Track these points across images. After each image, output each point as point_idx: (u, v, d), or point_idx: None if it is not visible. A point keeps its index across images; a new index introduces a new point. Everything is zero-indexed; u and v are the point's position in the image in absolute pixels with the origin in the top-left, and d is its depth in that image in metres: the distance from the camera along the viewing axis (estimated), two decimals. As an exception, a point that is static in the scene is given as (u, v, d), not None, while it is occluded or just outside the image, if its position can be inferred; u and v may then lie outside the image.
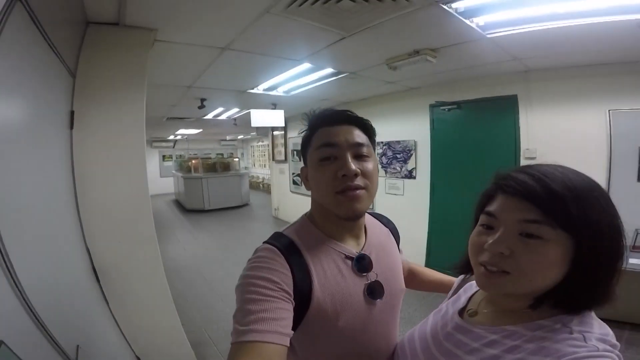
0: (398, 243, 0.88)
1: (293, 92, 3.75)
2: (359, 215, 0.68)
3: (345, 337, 0.65)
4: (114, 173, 1.67)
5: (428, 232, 3.76)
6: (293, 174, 6.32)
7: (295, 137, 6.22)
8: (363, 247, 0.73)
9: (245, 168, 10.50)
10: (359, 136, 0.68)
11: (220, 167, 9.15)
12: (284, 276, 0.59)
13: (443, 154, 3.61)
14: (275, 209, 7.18)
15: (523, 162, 2.94)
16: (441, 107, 3.50)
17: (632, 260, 2.20)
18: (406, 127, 3.95)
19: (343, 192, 0.64)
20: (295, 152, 6.22)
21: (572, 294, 0.48)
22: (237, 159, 10.23)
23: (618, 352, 0.46)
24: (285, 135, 6.54)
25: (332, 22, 1.75)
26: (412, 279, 0.99)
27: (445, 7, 1.56)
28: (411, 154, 3.90)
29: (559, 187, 0.46)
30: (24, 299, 0.76)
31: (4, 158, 0.74)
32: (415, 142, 3.85)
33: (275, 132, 6.83)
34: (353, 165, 0.63)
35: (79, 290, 1.37)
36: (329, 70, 2.85)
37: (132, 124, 1.71)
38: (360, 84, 3.41)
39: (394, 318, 0.76)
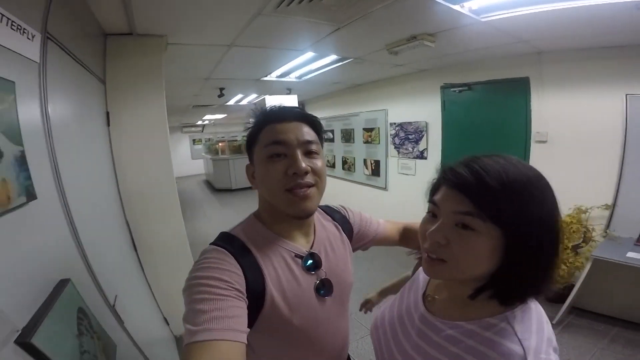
0: (349, 229, 0.86)
1: (305, 78, 3.89)
2: (309, 214, 0.68)
3: (300, 335, 0.66)
4: (144, 160, 1.99)
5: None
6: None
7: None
8: (312, 244, 0.73)
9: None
10: (308, 133, 0.67)
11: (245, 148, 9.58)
12: (235, 276, 0.58)
13: (454, 135, 3.63)
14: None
15: (534, 145, 2.92)
16: (452, 89, 3.50)
17: (632, 255, 2.14)
18: (418, 108, 3.98)
19: (293, 190, 0.63)
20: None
21: (505, 287, 0.50)
22: (261, 141, 10.59)
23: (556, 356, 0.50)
24: (304, 118, 6.72)
25: (322, 16, 1.87)
26: (412, 237, 0.91)
27: None
28: (422, 135, 3.95)
29: (493, 182, 0.47)
30: (83, 254, 1.05)
31: (65, 152, 1.02)
32: (426, 123, 3.88)
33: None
34: (303, 163, 0.63)
35: (120, 253, 1.71)
36: (335, 56, 2.96)
37: (155, 118, 2.01)
38: (368, 67, 3.47)
39: (344, 312, 0.78)
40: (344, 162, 5.56)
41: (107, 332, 1.00)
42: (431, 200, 0.56)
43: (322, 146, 0.72)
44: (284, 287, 0.64)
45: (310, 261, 0.69)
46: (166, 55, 2.26)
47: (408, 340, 0.60)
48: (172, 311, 2.28)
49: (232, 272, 0.58)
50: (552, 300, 2.65)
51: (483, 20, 2.04)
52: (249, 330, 0.54)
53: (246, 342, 0.52)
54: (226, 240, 0.65)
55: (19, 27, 0.71)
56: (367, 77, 4.22)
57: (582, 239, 2.55)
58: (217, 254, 0.60)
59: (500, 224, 0.47)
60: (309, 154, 0.66)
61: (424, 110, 3.88)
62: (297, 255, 0.68)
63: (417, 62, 3.36)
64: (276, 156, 0.64)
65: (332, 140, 5.81)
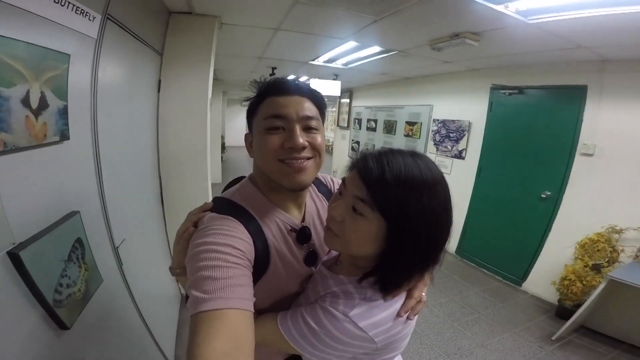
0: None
1: (351, 65, 3.94)
2: (303, 187, 0.68)
3: (287, 298, 0.70)
4: (184, 125, 2.22)
5: (466, 216, 3.75)
6: (352, 140, 6.61)
7: (358, 106, 6.40)
8: (304, 217, 0.75)
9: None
10: (309, 109, 0.66)
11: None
12: (246, 244, 0.58)
13: (496, 139, 3.46)
14: (334, 172, 7.66)
15: (578, 158, 2.71)
16: (501, 91, 3.30)
17: None
18: (463, 107, 3.83)
19: (287, 161, 0.63)
20: (356, 121, 6.43)
21: (385, 275, 0.57)
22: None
23: (367, 335, 0.54)
24: (350, 104, 6.76)
25: (356, 8, 1.94)
26: None
27: None
28: (464, 135, 3.80)
29: (390, 176, 0.52)
30: (102, 195, 1.16)
31: (108, 109, 1.24)
32: (470, 123, 3.73)
33: (343, 100, 7.07)
34: (301, 139, 0.63)
35: (144, 204, 1.88)
36: (378, 48, 2.98)
37: (199, 89, 2.23)
38: (414, 61, 3.41)
39: None
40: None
41: (98, 267, 1.05)
42: (342, 179, 0.62)
43: (323, 122, 0.71)
44: (283, 256, 0.67)
45: (302, 235, 0.71)
46: (221, 34, 2.52)
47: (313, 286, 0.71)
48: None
49: (244, 241, 0.58)
50: (561, 317, 2.57)
51: (530, 22, 1.93)
52: (254, 299, 0.54)
53: (253, 310, 0.52)
54: (231, 208, 0.65)
55: (82, 11, 0.95)
56: (414, 71, 4.12)
57: (606, 259, 2.41)
58: (227, 221, 0.59)
59: (386, 215, 0.53)
60: (308, 129, 0.66)
61: (470, 109, 3.74)
62: (292, 229, 0.70)
63: (466, 61, 3.23)
64: (274, 129, 0.64)
65: (374, 129, 5.81)
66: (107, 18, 1.16)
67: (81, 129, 1.05)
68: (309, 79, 5.55)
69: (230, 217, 0.61)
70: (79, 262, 0.94)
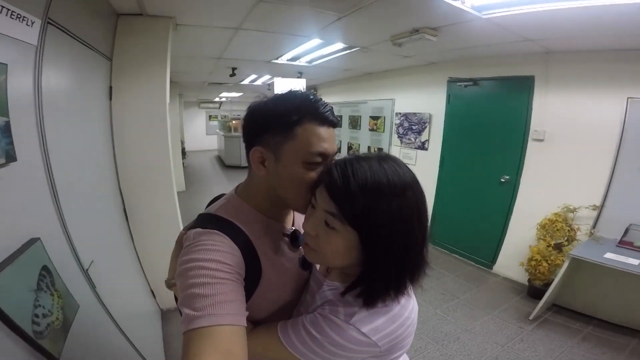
0: None
1: (315, 63, 3.91)
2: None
3: (286, 305, 0.70)
4: (142, 134, 2.08)
5: (434, 204, 3.91)
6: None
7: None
8: (293, 222, 0.75)
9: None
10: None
11: (257, 128, 9.73)
12: (235, 258, 0.57)
13: (455, 129, 3.64)
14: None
15: (530, 143, 2.94)
16: (457, 83, 3.47)
17: (609, 255, 2.17)
18: (423, 100, 3.98)
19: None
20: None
21: (367, 287, 0.56)
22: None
23: (371, 340, 0.54)
24: (315, 102, 6.75)
25: (322, 5, 1.92)
26: None
27: None
28: (425, 126, 3.95)
29: (355, 188, 0.51)
30: (61, 217, 1.08)
31: (56, 122, 1.12)
32: (430, 115, 3.89)
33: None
34: None
35: (108, 222, 1.76)
36: (342, 44, 2.98)
37: (156, 94, 2.09)
38: (376, 57, 3.48)
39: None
40: (349, 147, 5.63)
41: (72, 293, 1.01)
42: (314, 194, 0.60)
43: None
44: (277, 265, 0.66)
45: (294, 239, 0.71)
46: (177, 35, 2.37)
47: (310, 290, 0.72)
48: (160, 284, 2.24)
49: (231, 254, 0.56)
50: (533, 296, 2.74)
51: (484, 17, 2.02)
52: (247, 313, 0.54)
53: (246, 324, 0.52)
54: (216, 222, 0.62)
55: (19, 16, 0.83)
56: (376, 66, 4.21)
57: (566, 238, 2.60)
58: (214, 236, 0.58)
59: (355, 226, 0.52)
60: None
61: (429, 102, 3.88)
62: (284, 235, 0.70)
63: (425, 55, 3.35)
64: (315, 164, 0.60)
65: (339, 126, 5.86)
66: (48, 22, 1.04)
67: (29, 147, 0.95)
68: (271, 78, 5.44)
69: (216, 231, 0.58)
70: (50, 290, 0.89)
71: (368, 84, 4.96)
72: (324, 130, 0.60)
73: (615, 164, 2.46)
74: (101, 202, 1.72)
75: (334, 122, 0.63)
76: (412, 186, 0.54)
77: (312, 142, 0.59)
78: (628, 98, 2.37)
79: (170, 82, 6.26)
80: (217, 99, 11.82)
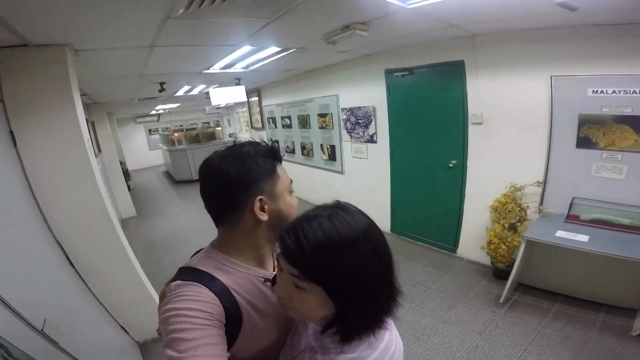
0: None
1: (252, 67, 3.74)
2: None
3: (273, 346, 0.73)
4: (64, 176, 1.87)
5: (391, 195, 4.01)
6: (271, 140, 6.46)
7: (269, 105, 6.24)
8: (274, 267, 0.78)
9: (231, 135, 10.49)
10: None
11: (203, 137, 9.23)
12: (213, 306, 0.61)
13: (399, 119, 3.71)
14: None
15: (471, 127, 3.05)
16: (394, 74, 3.53)
17: (560, 234, 2.27)
18: (365, 93, 4.00)
19: None
20: (270, 120, 6.28)
21: (342, 326, 0.59)
22: (219, 128, 10.28)
23: None
24: (260, 104, 6.54)
25: (243, 14, 1.79)
26: None
27: None
28: (371, 120, 4.00)
29: (308, 249, 0.54)
30: None
31: None
32: (374, 107, 3.93)
33: (252, 99, 6.80)
34: None
35: (50, 276, 1.64)
36: (276, 48, 2.86)
37: (70, 130, 1.87)
38: (314, 55, 3.40)
39: None
40: (303, 147, 5.55)
41: (33, 357, 1.02)
42: (276, 256, 0.64)
43: None
44: (259, 310, 0.70)
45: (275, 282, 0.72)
46: (81, 60, 2.08)
47: (292, 336, 0.74)
48: (130, 319, 2.30)
49: (210, 303, 0.60)
50: (499, 277, 2.87)
51: (409, 7, 2.03)
52: (229, 355, 0.60)
53: None
54: (195, 274, 0.66)
55: None
56: (316, 63, 4.14)
57: (517, 218, 2.73)
58: (192, 287, 0.62)
59: (318, 281, 0.55)
60: None
61: (371, 95, 3.91)
62: (266, 280, 0.73)
63: (360, 48, 3.34)
64: (291, 191, 0.76)
65: (289, 126, 5.75)
66: None
67: None
68: (206, 87, 5.14)
69: (194, 283, 0.63)
70: None
71: (312, 81, 4.88)
72: (282, 166, 0.76)
73: (550, 139, 2.59)
74: (36, 259, 1.59)
75: (281, 159, 0.76)
76: (365, 234, 0.57)
77: (286, 177, 0.75)
78: (551, 76, 2.48)
79: (94, 103, 5.66)
80: (153, 112, 10.98)
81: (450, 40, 2.93)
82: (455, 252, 3.48)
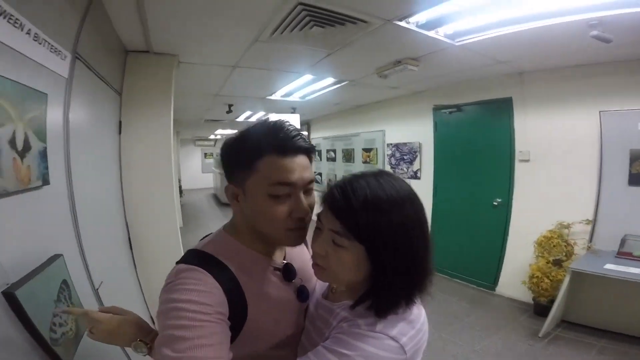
0: None
1: (308, 98, 4.16)
2: (301, 244, 0.70)
3: (287, 339, 0.69)
4: (148, 167, 2.17)
5: (431, 232, 3.93)
6: (315, 172, 6.78)
7: (316, 137, 6.67)
8: (285, 255, 0.75)
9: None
10: (310, 169, 0.65)
11: (253, 164, 9.91)
12: (215, 297, 0.56)
13: (445, 156, 3.79)
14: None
15: (517, 164, 3.06)
16: (442, 110, 3.70)
17: (609, 266, 2.18)
18: (412, 129, 4.18)
19: (294, 228, 0.63)
20: (316, 152, 6.65)
21: (377, 299, 0.56)
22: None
23: (398, 344, 0.53)
24: (309, 137, 7.02)
25: (313, 43, 2.13)
26: None
27: (400, 23, 1.83)
28: (416, 156, 4.12)
29: (356, 204, 0.53)
30: (78, 238, 1.19)
31: (78, 152, 1.21)
32: (420, 143, 4.07)
33: (302, 131, 7.31)
34: (305, 205, 0.63)
35: (115, 248, 1.84)
36: (332, 79, 3.22)
37: (161, 129, 2.22)
38: (365, 89, 3.73)
39: None
40: (344, 181, 5.73)
41: (84, 308, 1.07)
42: (317, 215, 0.63)
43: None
44: (267, 299, 0.65)
45: (287, 272, 0.71)
46: (179, 72, 2.56)
47: (313, 325, 0.70)
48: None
49: (212, 293, 0.56)
50: (540, 314, 2.70)
51: (458, 44, 2.23)
52: (231, 354, 0.54)
53: None
54: (200, 259, 0.62)
55: (55, 49, 0.95)
56: (365, 98, 4.48)
57: (564, 253, 2.62)
58: (195, 273, 0.57)
59: (361, 241, 0.54)
60: (307, 191, 0.65)
61: (418, 131, 4.08)
62: (275, 269, 0.70)
63: (410, 84, 3.60)
64: (280, 197, 0.61)
65: (334, 159, 6.04)
66: (76, 57, 1.16)
67: (58, 173, 1.04)
68: (266, 114, 5.70)
69: (197, 268, 0.58)
70: (67, 303, 0.93)
71: (359, 116, 5.21)
72: (287, 161, 0.60)
73: (600, 176, 2.53)
74: (109, 229, 1.78)
75: (292, 148, 0.61)
76: (409, 198, 0.57)
77: (272, 174, 0.59)
78: (600, 111, 2.49)
79: (170, 120, 6.45)
80: (212, 136, 12.12)
81: (499, 77, 3.05)
82: (494, 290, 3.31)
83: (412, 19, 1.88)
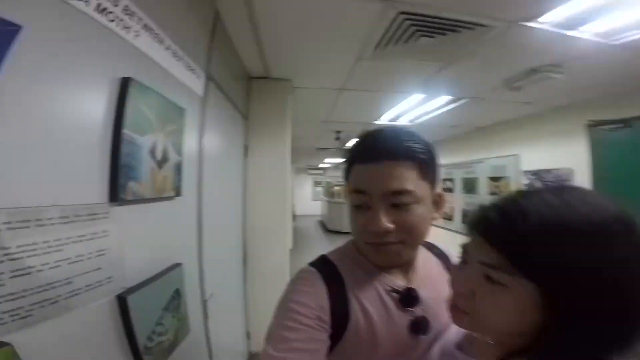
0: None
1: (417, 121, 3.91)
2: (395, 266, 0.65)
3: None
4: (266, 188, 2.34)
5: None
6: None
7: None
8: (411, 280, 0.67)
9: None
10: (400, 178, 0.57)
11: (360, 194, 10.05)
12: (320, 301, 0.58)
13: (608, 185, 2.87)
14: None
15: None
16: (602, 127, 2.86)
17: None
18: (557, 152, 3.36)
19: (372, 244, 0.61)
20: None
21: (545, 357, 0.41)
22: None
23: None
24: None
25: (422, 56, 1.95)
26: None
27: (529, 24, 1.52)
28: (565, 185, 3.26)
29: (527, 228, 0.40)
30: (200, 249, 1.25)
31: (208, 169, 1.32)
32: (571, 170, 3.21)
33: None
34: (384, 222, 0.57)
35: (230, 262, 1.95)
36: (448, 97, 2.94)
37: (280, 154, 2.39)
38: (488, 107, 3.25)
39: None
40: (464, 216, 4.97)
41: (189, 319, 1.09)
42: (462, 245, 0.50)
43: (434, 179, 0.62)
44: (372, 319, 0.60)
45: (406, 297, 0.63)
46: (293, 98, 2.75)
47: None
48: (256, 328, 2.41)
49: (318, 298, 0.58)
50: None
51: (615, 43, 1.70)
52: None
53: None
54: (322, 264, 0.66)
55: (192, 68, 1.11)
56: (489, 118, 3.91)
57: None
58: (311, 276, 0.63)
59: (534, 277, 0.39)
60: (396, 205, 0.57)
61: (566, 154, 3.25)
62: (393, 290, 0.63)
63: (549, 99, 2.95)
64: (360, 206, 0.60)
65: (450, 190, 5.35)
66: (208, 78, 1.32)
67: (190, 185, 1.12)
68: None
69: (314, 270, 0.64)
70: (174, 312, 0.94)
71: (481, 140, 4.57)
72: (364, 168, 0.59)
73: None
74: (228, 245, 1.90)
75: (373, 155, 0.58)
76: (622, 221, 0.39)
77: (354, 182, 0.61)
78: None
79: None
80: (321, 165, 12.91)
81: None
82: None
83: (542, 19, 1.53)
